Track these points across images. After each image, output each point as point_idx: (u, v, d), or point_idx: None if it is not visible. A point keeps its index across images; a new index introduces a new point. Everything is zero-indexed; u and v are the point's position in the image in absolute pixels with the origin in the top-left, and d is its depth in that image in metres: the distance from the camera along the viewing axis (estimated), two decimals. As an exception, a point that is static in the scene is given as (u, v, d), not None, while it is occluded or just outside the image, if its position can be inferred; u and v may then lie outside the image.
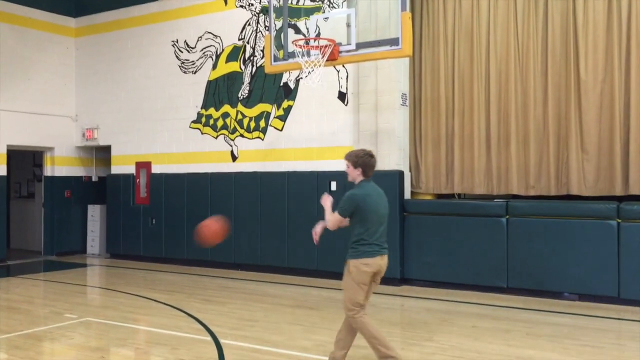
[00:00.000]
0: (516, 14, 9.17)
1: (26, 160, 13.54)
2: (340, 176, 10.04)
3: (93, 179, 14.18)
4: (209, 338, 6.32)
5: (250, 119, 11.22)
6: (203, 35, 11.87)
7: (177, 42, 12.23)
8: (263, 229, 10.87)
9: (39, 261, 12.58)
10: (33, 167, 13.91)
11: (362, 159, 5.00)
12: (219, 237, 5.62)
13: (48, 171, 13.53)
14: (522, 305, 8.05)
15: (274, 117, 10.93)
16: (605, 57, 8.55)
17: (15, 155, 12.80)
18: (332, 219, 5.02)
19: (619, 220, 7.98)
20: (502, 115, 9.31)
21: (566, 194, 8.83)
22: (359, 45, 7.84)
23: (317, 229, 5.13)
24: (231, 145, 11.47)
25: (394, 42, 7.51)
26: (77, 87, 13.73)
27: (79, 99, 13.72)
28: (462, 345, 6.09)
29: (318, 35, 9.24)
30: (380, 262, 4.94)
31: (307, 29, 10.27)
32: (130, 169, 12.85)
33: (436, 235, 9.26)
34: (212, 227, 5.63)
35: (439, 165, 9.85)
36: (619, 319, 7.32)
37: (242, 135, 11.32)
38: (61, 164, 13.57)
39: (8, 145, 12.50)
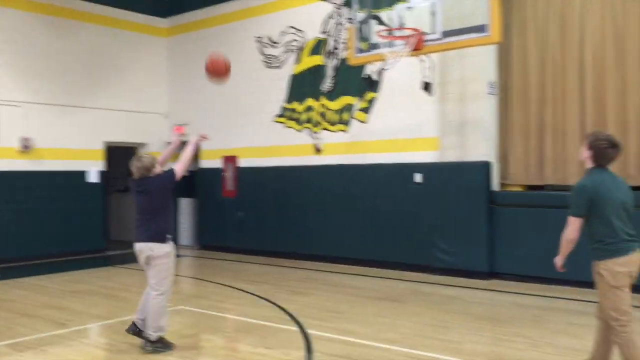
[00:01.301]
0: (613, -6, 8.66)
1: (122, 155, 14.27)
2: (425, 168, 9.91)
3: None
4: (296, 328, 6.42)
5: (334, 112, 11.26)
6: (286, 30, 12.02)
7: (261, 38, 12.46)
8: (347, 221, 10.89)
9: (134, 252, 13.21)
10: (128, 162, 14.63)
11: (598, 144, 4.28)
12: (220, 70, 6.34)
13: (142, 166, 14.18)
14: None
15: (358, 110, 10.91)
16: None
17: (112, 151, 13.53)
18: (566, 233, 4.54)
19: None
20: (599, 103, 8.80)
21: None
22: (445, 34, 7.68)
23: (559, 263, 4.84)
24: (315, 139, 11.56)
25: (481, 29, 7.31)
26: (169, 85, 14.30)
27: (170, 96, 14.28)
28: (556, 342, 5.85)
29: (402, 25, 9.12)
30: (636, 259, 4.28)
31: (391, 19, 10.14)
32: (218, 163, 13.25)
33: (527, 228, 8.92)
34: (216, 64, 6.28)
35: (529, 156, 9.47)
36: None
37: (325, 129, 11.39)
38: (154, 159, 14.18)
39: (106, 142, 13.22)
